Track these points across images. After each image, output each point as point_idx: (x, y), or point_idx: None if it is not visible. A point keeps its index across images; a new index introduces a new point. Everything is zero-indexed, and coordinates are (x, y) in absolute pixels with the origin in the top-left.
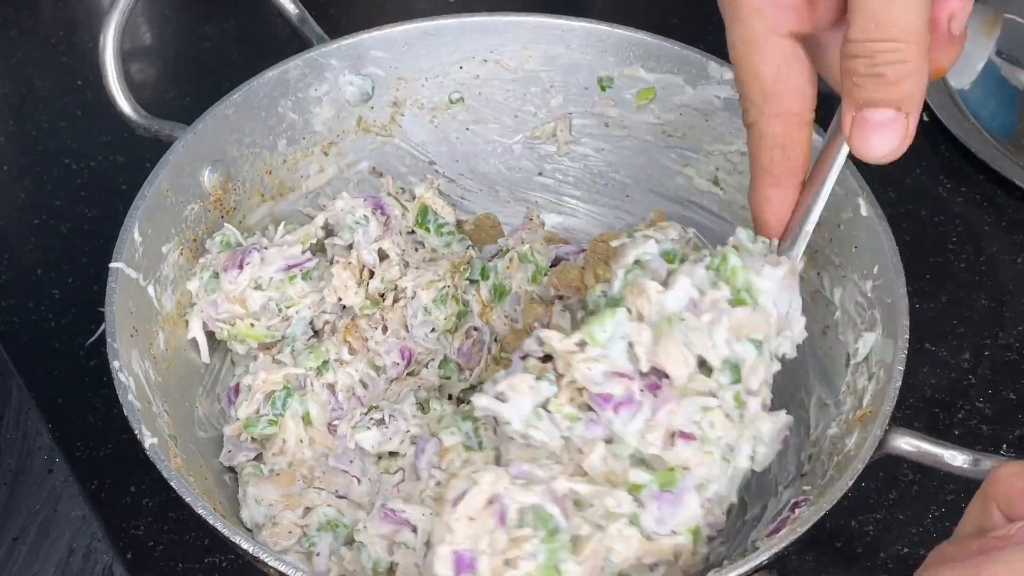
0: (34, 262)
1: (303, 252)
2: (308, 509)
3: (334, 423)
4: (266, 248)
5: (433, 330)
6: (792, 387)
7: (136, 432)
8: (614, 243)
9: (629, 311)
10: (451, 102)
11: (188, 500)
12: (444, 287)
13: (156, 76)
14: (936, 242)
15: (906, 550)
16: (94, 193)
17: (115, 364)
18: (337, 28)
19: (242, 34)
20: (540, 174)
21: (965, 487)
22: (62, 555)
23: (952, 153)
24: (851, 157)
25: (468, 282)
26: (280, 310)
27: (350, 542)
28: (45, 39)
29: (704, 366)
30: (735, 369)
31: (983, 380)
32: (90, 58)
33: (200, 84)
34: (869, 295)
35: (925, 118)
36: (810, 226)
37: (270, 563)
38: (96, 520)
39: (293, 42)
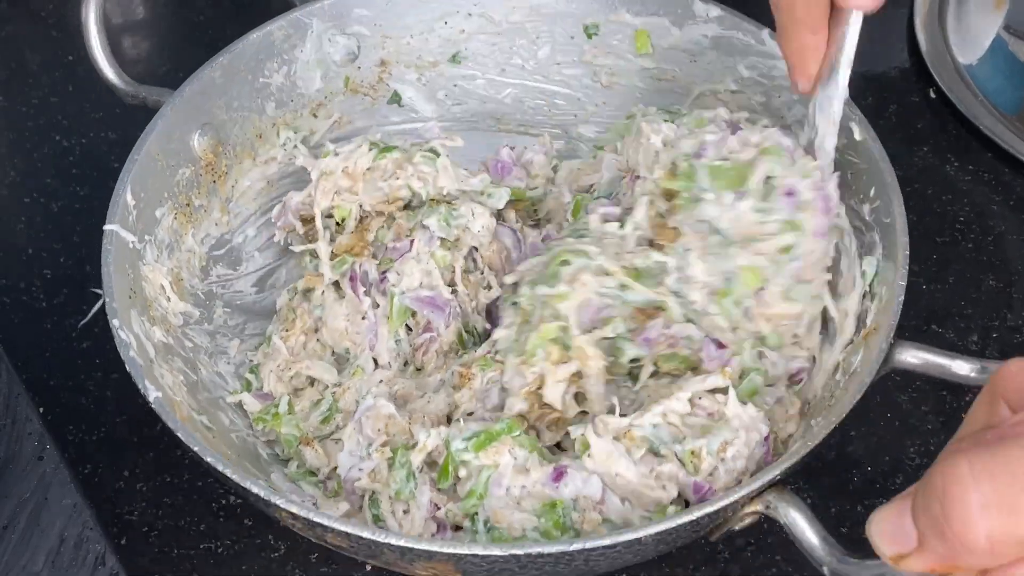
0: (25, 241)
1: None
2: None
3: None
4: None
5: None
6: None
7: (140, 387)
8: None
9: None
10: (452, 61)
11: (196, 449)
12: None
13: (149, 50)
14: (943, 222)
15: None
16: (86, 170)
17: (115, 322)
18: None
19: (236, 6)
20: (530, 130)
21: None
22: (53, 544)
23: (959, 130)
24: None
25: None
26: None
27: None
28: (35, 13)
29: None
30: None
31: None
32: (81, 32)
33: (194, 58)
34: (867, 218)
35: (932, 94)
36: (849, 54)
37: (282, 506)
38: (88, 508)
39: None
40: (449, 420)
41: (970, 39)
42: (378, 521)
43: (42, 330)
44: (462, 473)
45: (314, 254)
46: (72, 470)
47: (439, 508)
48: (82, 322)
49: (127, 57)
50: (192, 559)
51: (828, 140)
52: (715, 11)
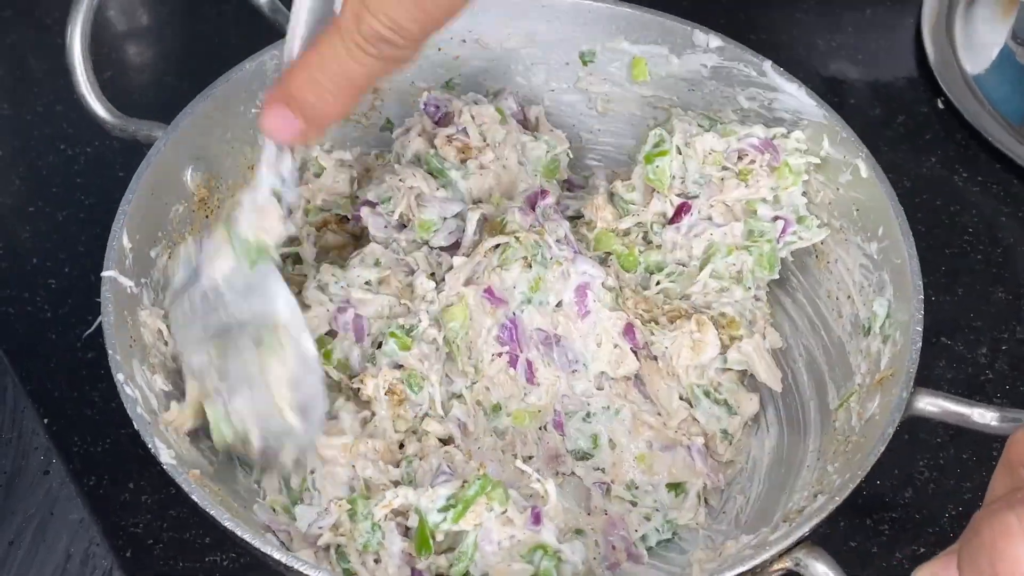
0: (29, 250)
1: None
2: None
3: None
4: None
5: None
6: (807, 361)
7: (150, 448)
8: None
9: None
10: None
11: (212, 513)
12: None
13: (154, 58)
14: (952, 233)
15: None
16: (91, 179)
17: (119, 377)
18: None
19: (240, 15)
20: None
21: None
22: (59, 560)
23: (967, 141)
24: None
25: None
26: None
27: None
28: (40, 20)
29: None
30: None
31: (1000, 375)
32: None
33: (198, 67)
34: (875, 257)
35: (940, 104)
36: None
37: (304, 571)
38: (95, 523)
39: (278, 29)
40: (401, 446)
41: (978, 49)
42: (350, 575)
43: (47, 340)
44: (439, 537)
45: (296, 259)
46: (78, 483)
47: (412, 556)
48: (87, 332)
49: (131, 64)
50: (197, 572)
51: None
52: (716, 41)
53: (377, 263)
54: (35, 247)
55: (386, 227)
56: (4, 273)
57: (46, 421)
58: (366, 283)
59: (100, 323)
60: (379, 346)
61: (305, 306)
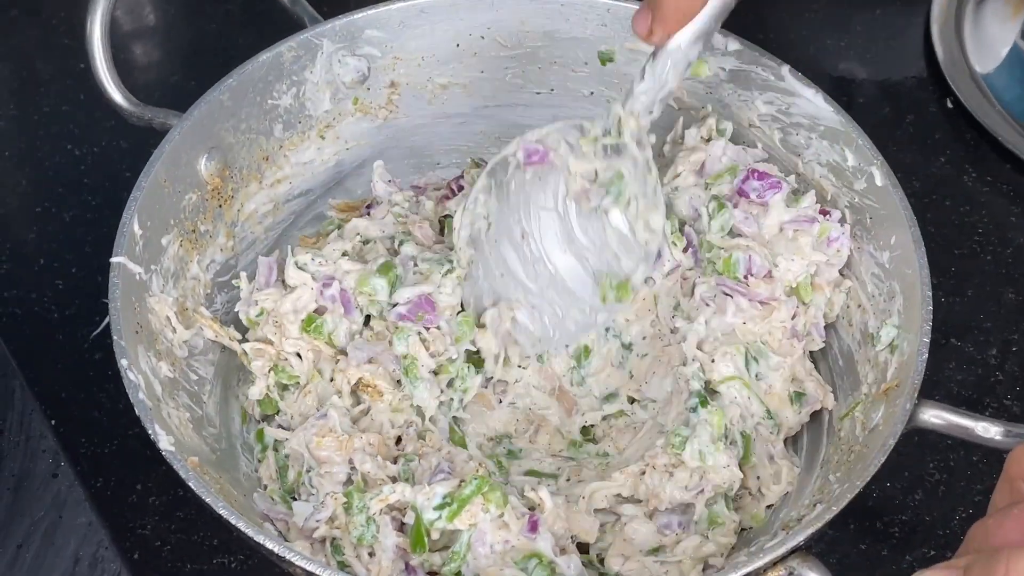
0: (36, 252)
1: None
2: None
3: None
4: None
5: None
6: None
7: (150, 433)
8: None
9: None
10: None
11: (208, 500)
12: None
13: (160, 58)
14: (961, 233)
15: None
16: (97, 180)
17: (123, 363)
18: (331, 7)
19: (246, 14)
20: None
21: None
22: (67, 564)
23: (977, 141)
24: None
25: None
26: None
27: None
28: (47, 20)
29: None
30: None
31: (1011, 376)
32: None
33: (204, 66)
34: (887, 266)
35: (949, 104)
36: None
37: (296, 562)
38: (103, 527)
39: (298, 21)
40: (398, 441)
41: (987, 48)
42: (344, 567)
43: (54, 342)
44: (435, 535)
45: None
46: (86, 486)
47: (406, 551)
48: (94, 333)
49: (138, 64)
50: (205, 574)
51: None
52: (734, 44)
53: (357, 235)
54: (42, 248)
55: (389, 182)
56: (11, 274)
57: (53, 423)
58: (343, 254)
59: (107, 324)
60: (367, 321)
61: (288, 287)
